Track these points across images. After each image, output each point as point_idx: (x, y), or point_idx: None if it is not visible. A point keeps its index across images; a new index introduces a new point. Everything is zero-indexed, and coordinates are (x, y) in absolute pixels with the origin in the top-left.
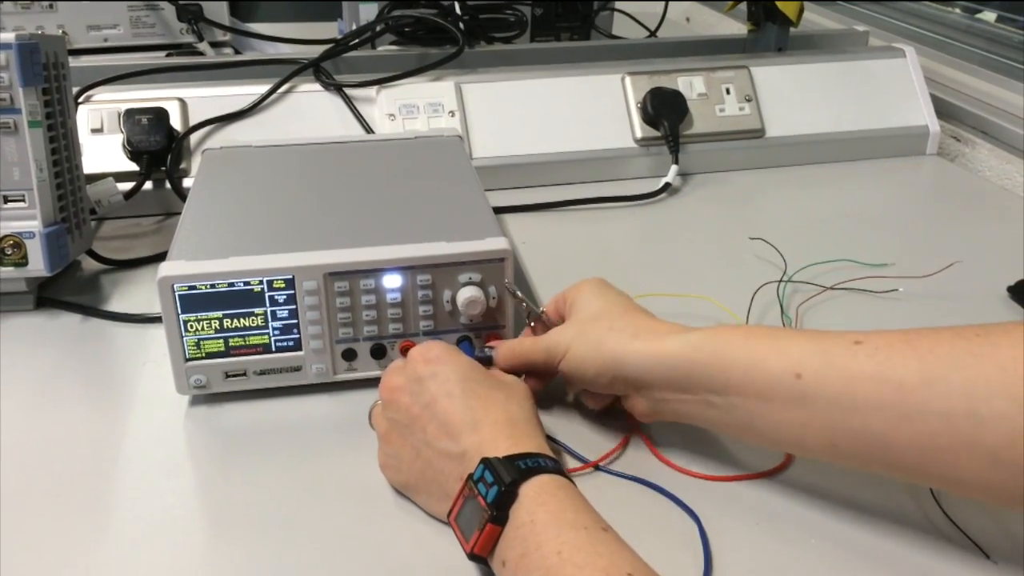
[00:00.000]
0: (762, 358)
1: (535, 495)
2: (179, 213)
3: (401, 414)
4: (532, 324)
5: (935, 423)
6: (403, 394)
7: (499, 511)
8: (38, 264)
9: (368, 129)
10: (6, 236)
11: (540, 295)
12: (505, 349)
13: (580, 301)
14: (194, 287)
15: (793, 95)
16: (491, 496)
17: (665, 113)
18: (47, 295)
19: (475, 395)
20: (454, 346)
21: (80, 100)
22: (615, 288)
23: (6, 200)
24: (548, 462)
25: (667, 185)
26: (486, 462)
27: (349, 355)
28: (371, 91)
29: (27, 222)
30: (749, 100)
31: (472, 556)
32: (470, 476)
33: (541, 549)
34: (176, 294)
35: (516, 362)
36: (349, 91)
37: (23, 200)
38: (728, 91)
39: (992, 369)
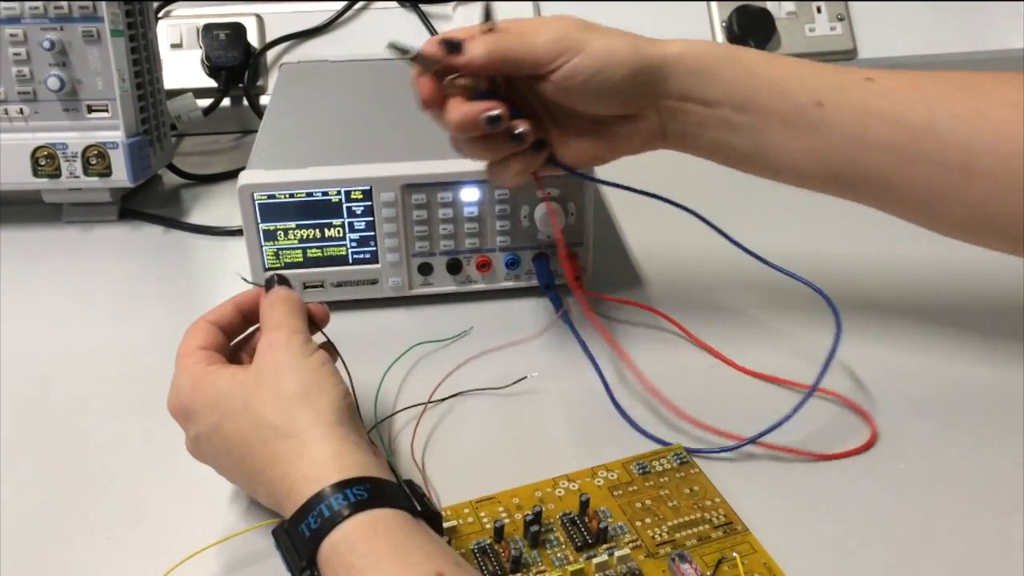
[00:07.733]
0: (786, 81)
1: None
2: (256, 131)
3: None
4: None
5: (932, 171)
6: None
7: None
8: (121, 174)
9: None
10: (90, 146)
11: (621, 223)
12: (481, 44)
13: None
14: (273, 196)
15: (889, 13)
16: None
17: (751, 33)
18: (130, 207)
19: None
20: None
21: (160, 15)
22: None
23: (90, 110)
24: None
25: None
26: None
27: (425, 269)
28: (447, 8)
29: (110, 132)
30: (841, 19)
31: None
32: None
33: None
34: (256, 203)
35: (497, 61)
36: (425, 8)
37: (106, 110)
38: (819, 9)
39: (985, 127)
